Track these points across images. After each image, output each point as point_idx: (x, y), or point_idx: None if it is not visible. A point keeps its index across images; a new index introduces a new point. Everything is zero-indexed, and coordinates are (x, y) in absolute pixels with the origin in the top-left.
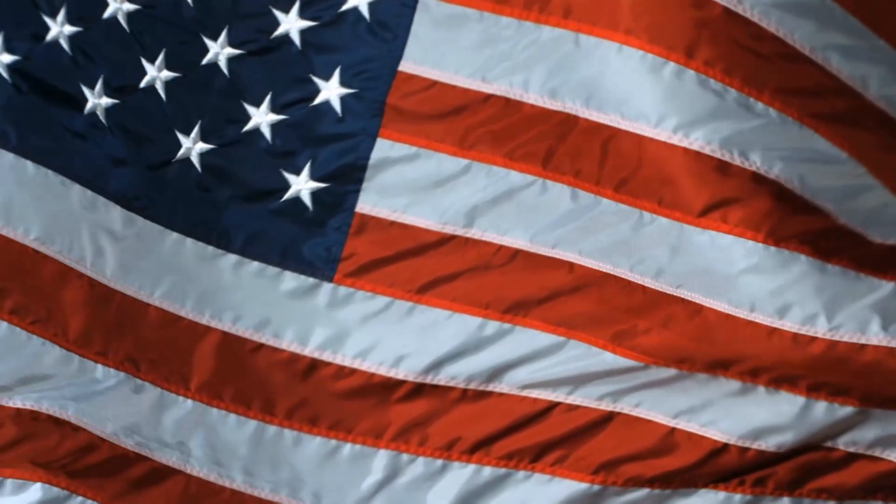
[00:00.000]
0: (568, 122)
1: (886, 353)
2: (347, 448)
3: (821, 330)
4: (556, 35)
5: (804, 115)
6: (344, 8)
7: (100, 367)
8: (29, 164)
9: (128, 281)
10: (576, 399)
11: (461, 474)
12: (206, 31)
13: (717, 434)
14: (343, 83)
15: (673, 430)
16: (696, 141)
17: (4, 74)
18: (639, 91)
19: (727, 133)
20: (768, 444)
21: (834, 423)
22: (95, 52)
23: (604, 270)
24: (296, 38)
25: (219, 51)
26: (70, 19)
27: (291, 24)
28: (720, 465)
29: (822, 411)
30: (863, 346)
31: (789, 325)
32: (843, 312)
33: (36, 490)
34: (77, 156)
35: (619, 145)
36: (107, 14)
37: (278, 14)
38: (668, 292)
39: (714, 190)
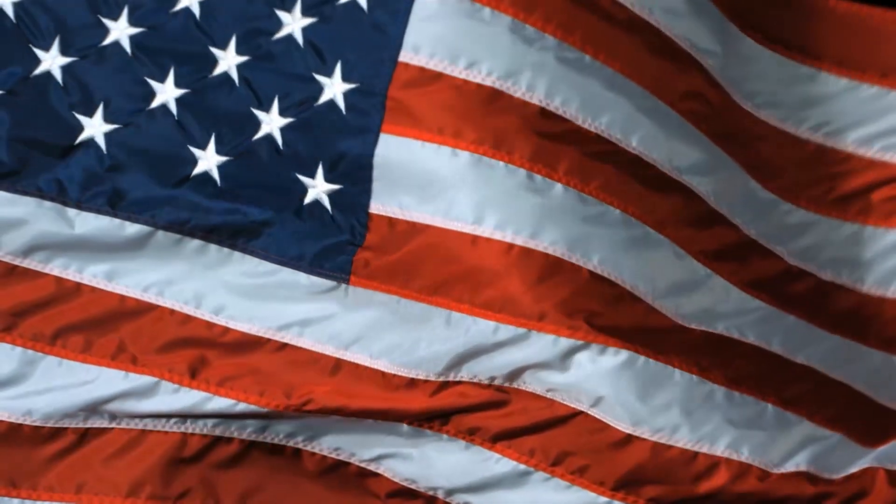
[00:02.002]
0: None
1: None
2: (370, 421)
3: None
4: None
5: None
6: (343, 1)
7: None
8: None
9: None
10: (597, 413)
11: (482, 459)
12: (215, 43)
13: (741, 457)
14: (345, 78)
15: (696, 454)
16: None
17: None
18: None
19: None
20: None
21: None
22: (93, 80)
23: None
24: (299, 37)
25: (229, 60)
26: (63, 50)
27: (295, 23)
28: (747, 491)
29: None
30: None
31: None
32: None
33: None
34: (74, 181)
35: None
36: (107, 41)
37: (281, 14)
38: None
39: None
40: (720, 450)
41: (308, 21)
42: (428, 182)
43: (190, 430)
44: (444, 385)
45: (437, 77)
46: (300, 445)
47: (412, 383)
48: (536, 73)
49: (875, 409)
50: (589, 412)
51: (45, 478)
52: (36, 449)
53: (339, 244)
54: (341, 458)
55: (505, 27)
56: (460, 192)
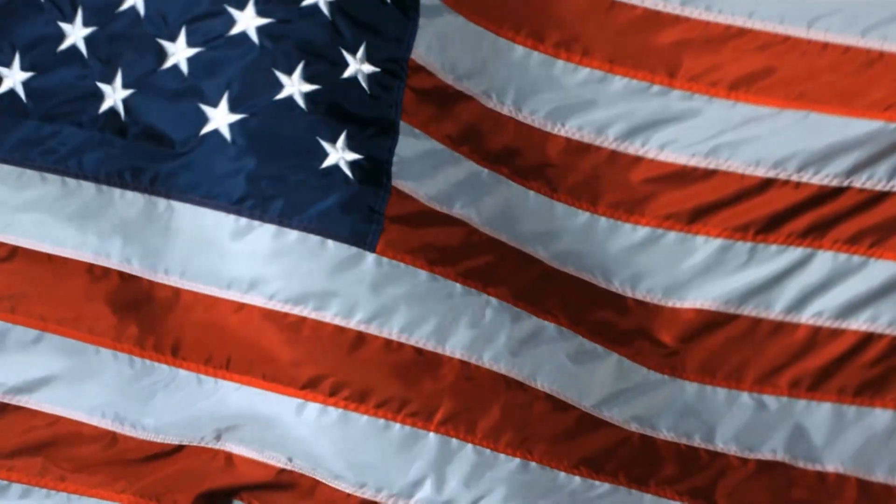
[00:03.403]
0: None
1: None
2: (396, 429)
3: None
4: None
5: None
6: None
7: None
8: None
9: (150, 266)
10: (596, 413)
11: (508, 467)
12: (232, 3)
13: (719, 447)
14: (369, 60)
15: (678, 444)
16: None
17: (21, 94)
18: None
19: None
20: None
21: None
22: (112, 47)
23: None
24: (325, 9)
25: (248, 21)
26: (86, 20)
27: None
28: (734, 479)
29: (802, 409)
30: None
31: None
32: None
33: None
34: (93, 155)
35: None
36: (124, 6)
37: None
38: None
39: None
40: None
41: None
42: (445, 171)
43: (227, 449)
44: (467, 367)
45: (434, 79)
46: (326, 481)
47: (437, 360)
48: (514, 90)
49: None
50: (587, 412)
51: (92, 476)
52: (85, 446)
53: (359, 211)
54: (367, 496)
55: (490, 42)
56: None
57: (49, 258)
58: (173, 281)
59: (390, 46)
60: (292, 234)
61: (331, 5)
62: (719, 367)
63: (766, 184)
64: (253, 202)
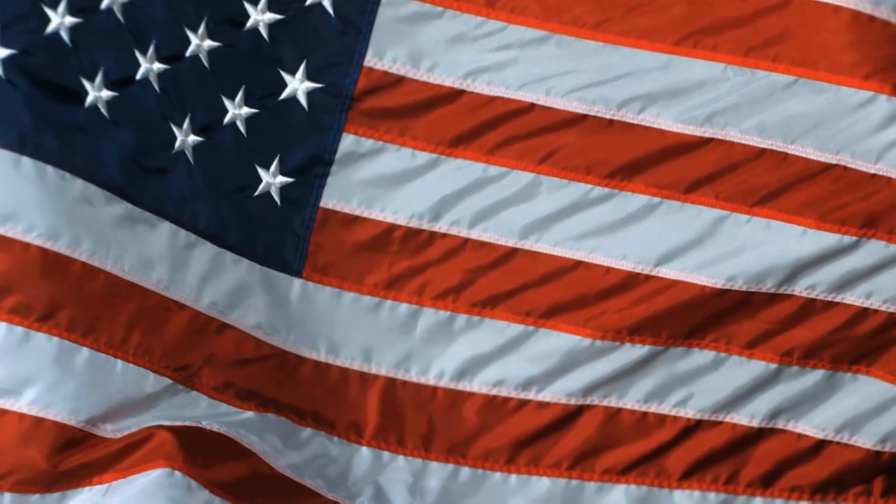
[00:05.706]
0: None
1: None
2: (335, 441)
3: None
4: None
5: None
6: (309, 2)
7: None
8: (25, 160)
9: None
10: (545, 396)
11: (440, 474)
12: (189, 23)
13: (690, 412)
14: (309, 77)
15: (645, 413)
16: None
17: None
18: None
19: None
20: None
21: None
22: (94, 44)
23: (577, 259)
24: (264, 32)
25: (199, 42)
26: (70, 10)
27: (260, 16)
28: (694, 446)
29: (794, 374)
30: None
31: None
32: None
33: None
34: (78, 150)
35: None
36: (104, 5)
37: (248, 6)
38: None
39: None
40: (668, 407)
41: (274, 17)
42: (388, 181)
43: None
44: (393, 384)
45: (399, 81)
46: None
47: (364, 378)
48: (497, 70)
49: None
50: (535, 398)
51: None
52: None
53: (287, 237)
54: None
55: (469, 27)
56: (423, 190)
57: None
58: None
59: (336, 59)
60: (228, 255)
61: (271, 27)
62: (708, 332)
63: (761, 153)
64: (198, 224)
